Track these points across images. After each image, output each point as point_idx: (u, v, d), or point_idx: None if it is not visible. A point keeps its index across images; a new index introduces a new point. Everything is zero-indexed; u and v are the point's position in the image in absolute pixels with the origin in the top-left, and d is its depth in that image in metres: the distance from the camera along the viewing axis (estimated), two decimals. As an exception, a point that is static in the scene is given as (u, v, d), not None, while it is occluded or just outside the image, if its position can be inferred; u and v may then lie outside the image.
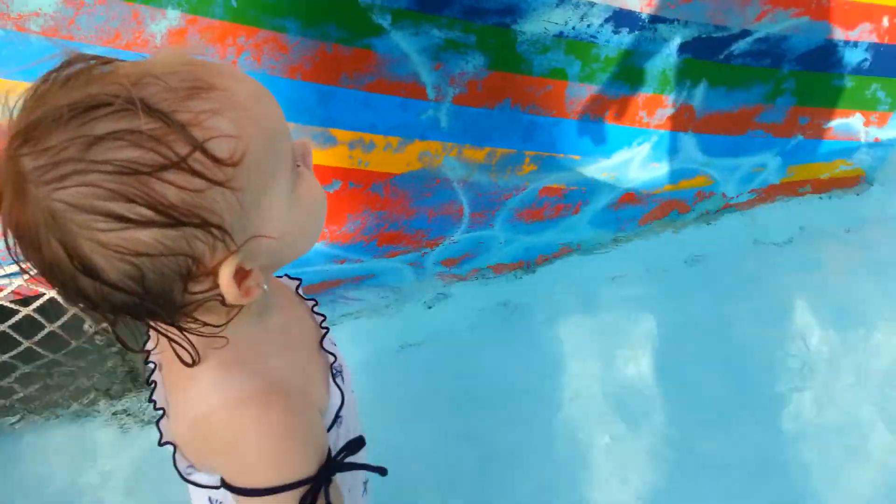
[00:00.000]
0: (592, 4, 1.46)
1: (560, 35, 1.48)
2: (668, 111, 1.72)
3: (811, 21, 1.68)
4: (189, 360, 0.64)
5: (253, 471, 0.64)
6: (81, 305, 0.58)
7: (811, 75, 1.80)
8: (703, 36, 1.61)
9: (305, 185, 0.65)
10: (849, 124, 1.96)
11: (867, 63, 1.82)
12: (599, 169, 1.77)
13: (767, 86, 1.78)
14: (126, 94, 0.50)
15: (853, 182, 2.15)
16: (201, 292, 0.58)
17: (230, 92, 0.56)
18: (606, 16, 1.49)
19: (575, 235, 1.90)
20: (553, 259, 1.92)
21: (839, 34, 1.73)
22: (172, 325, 0.60)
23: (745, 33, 1.64)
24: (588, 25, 1.49)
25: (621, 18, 1.51)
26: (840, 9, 1.69)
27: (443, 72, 1.44)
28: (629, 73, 1.61)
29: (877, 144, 2.04)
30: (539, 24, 1.44)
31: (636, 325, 1.79)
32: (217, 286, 0.58)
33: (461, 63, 1.44)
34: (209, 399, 0.65)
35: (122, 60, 0.56)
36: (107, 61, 0.55)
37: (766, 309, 1.82)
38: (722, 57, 1.67)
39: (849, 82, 1.85)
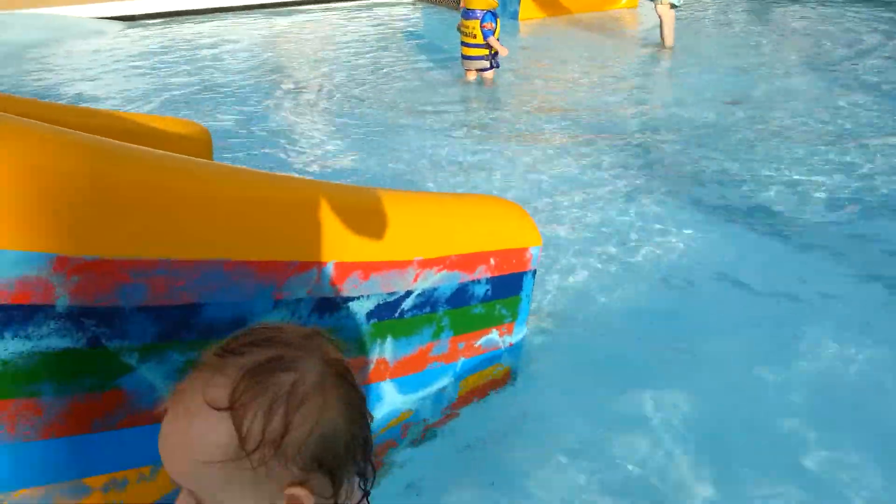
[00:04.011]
0: (300, 300, 1.72)
1: (280, 331, 1.69)
2: (370, 367, 2.02)
3: (448, 272, 2.18)
4: None
5: None
6: None
7: (457, 311, 2.29)
8: (381, 303, 1.98)
9: None
10: (490, 338, 2.49)
11: (489, 292, 2.39)
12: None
13: (432, 327, 2.21)
14: None
15: (504, 380, 2.67)
16: None
17: None
18: (311, 307, 1.76)
19: None
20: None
21: (467, 277, 2.27)
22: None
23: (408, 293, 2.06)
24: (299, 318, 1.73)
25: (322, 305, 1.79)
26: (464, 259, 2.23)
27: (188, 390, 1.52)
28: (336, 346, 1.87)
29: (511, 348, 2.61)
30: (262, 326, 1.64)
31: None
32: None
33: (203, 377, 1.55)
34: None
35: None
36: None
37: None
38: (397, 314, 2.05)
39: (482, 309, 2.39)
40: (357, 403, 0.86)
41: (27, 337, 1.25)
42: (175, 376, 1.49)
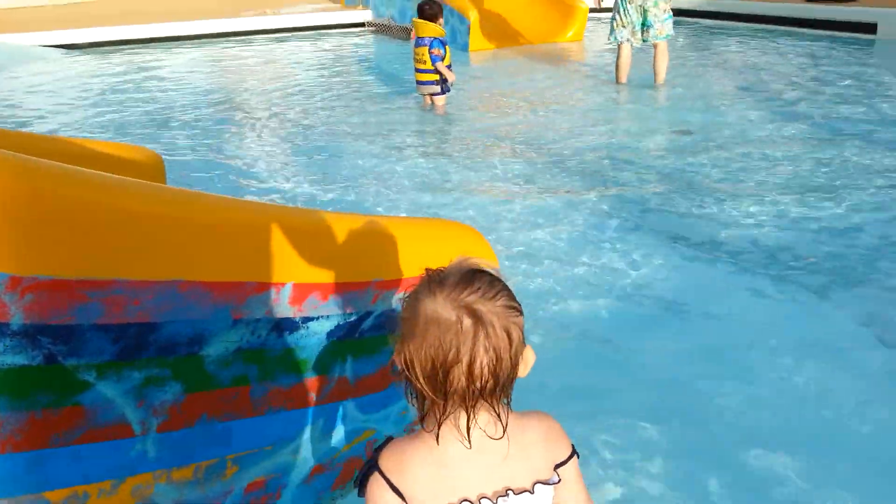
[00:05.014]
0: (258, 320, 1.78)
1: (238, 349, 1.75)
2: (331, 386, 2.07)
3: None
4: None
5: None
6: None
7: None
8: (341, 323, 2.05)
9: None
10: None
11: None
12: (289, 452, 1.99)
13: (391, 347, 2.26)
14: None
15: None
16: None
17: None
18: (270, 326, 1.82)
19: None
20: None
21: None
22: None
23: (368, 314, 2.13)
24: (258, 337, 1.80)
25: (281, 325, 1.85)
26: (422, 281, 2.30)
27: (146, 406, 1.58)
28: (296, 364, 1.93)
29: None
30: (221, 345, 1.70)
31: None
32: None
33: (161, 395, 1.60)
34: None
35: None
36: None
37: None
38: (357, 335, 2.12)
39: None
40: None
41: (-17, 354, 1.30)
42: (134, 393, 1.55)
